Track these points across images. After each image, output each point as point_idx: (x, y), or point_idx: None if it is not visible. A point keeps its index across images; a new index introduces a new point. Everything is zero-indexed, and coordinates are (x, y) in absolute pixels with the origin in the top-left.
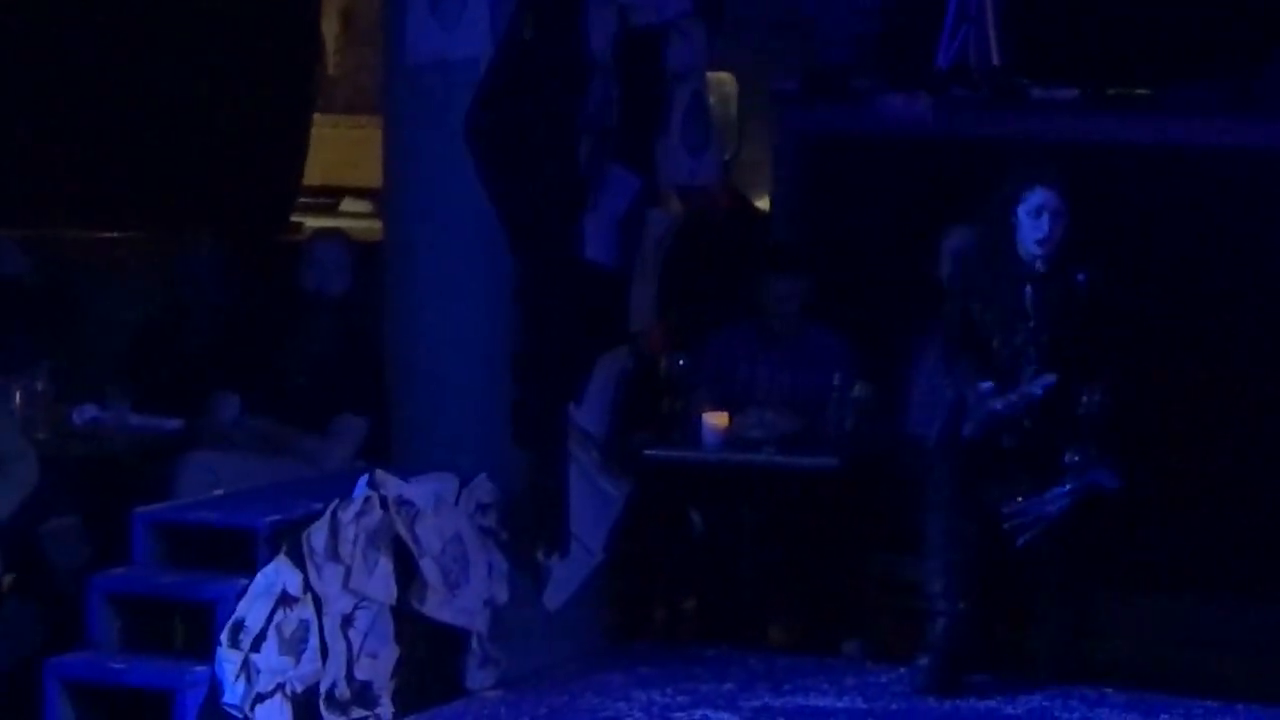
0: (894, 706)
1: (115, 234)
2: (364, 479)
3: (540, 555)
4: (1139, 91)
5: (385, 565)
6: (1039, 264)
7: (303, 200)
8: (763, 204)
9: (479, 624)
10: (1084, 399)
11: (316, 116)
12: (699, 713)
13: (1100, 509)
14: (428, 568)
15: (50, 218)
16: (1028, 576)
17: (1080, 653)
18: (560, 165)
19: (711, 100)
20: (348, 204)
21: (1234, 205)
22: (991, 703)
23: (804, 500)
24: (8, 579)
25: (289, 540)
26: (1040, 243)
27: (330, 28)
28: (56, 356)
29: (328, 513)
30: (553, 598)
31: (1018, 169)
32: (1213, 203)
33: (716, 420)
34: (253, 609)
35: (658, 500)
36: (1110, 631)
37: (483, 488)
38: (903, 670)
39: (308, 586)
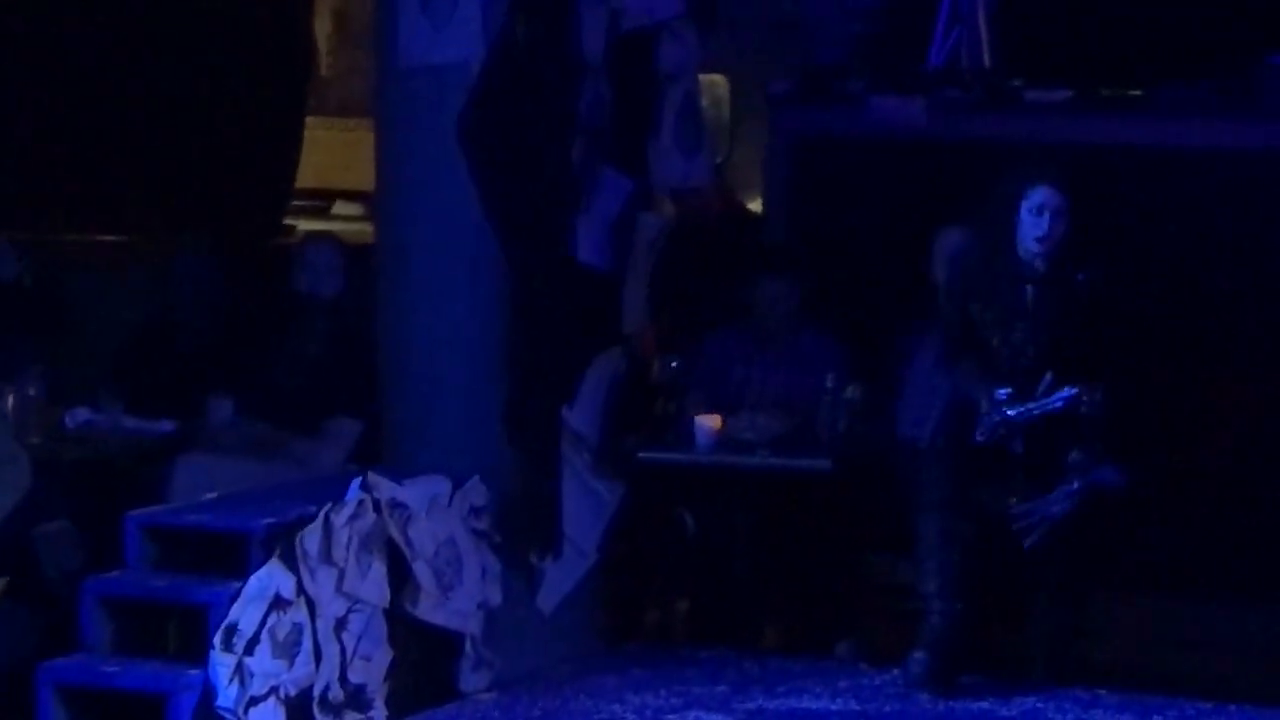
0: (887, 708)
1: (108, 237)
2: (357, 482)
3: (533, 557)
4: (1131, 93)
5: (378, 568)
6: (1039, 263)
7: (295, 203)
8: (755, 206)
9: (472, 626)
10: (1084, 399)
11: (309, 119)
12: (692, 715)
13: (1098, 509)
14: (421, 570)
15: (43, 221)
16: (1022, 578)
17: (1074, 654)
18: (553, 167)
19: (704, 102)
20: (340, 207)
21: (1227, 206)
22: (985, 704)
23: (797, 502)
24: (0, 583)
25: (282, 543)
26: (1040, 240)
27: (322, 30)
28: (50, 360)
29: (321, 516)
30: (546, 600)
31: (1020, 167)
32: (1206, 204)
33: (709, 422)
34: (246, 612)
35: (651, 502)
36: (1104, 633)
37: (476, 490)
38: (896, 671)
39: (301, 590)
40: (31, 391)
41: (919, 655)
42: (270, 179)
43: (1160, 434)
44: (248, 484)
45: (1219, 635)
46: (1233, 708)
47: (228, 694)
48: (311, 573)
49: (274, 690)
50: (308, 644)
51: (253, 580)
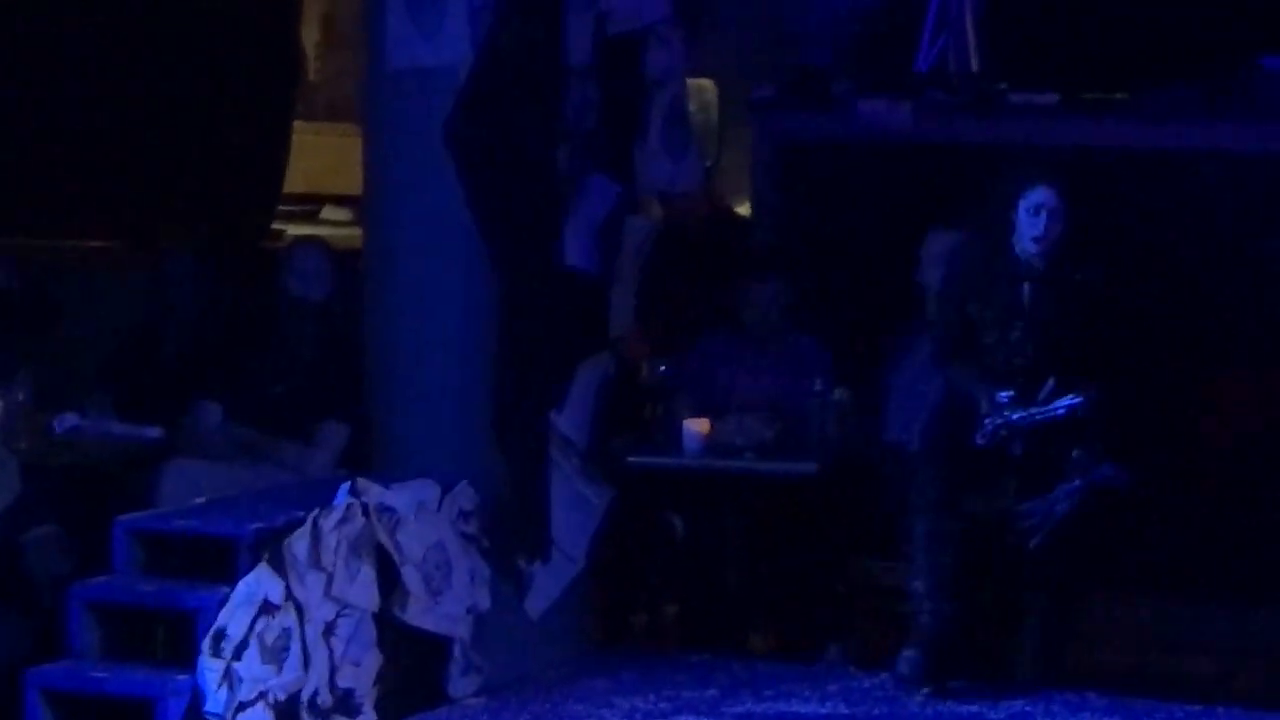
0: (876, 712)
1: (97, 242)
2: (345, 486)
3: (522, 562)
4: (1117, 96)
5: (367, 573)
6: (1036, 262)
7: (283, 207)
8: (744, 209)
9: (461, 631)
10: (1086, 406)
11: (297, 123)
12: (681, 719)
13: (1095, 509)
14: (409, 575)
15: (31, 226)
16: (1013, 580)
17: (1062, 657)
18: (540, 172)
19: (692, 106)
20: (328, 211)
21: (1215, 209)
22: (973, 707)
23: (785, 506)
24: None
25: (271, 548)
26: (1037, 240)
27: (311, 34)
28: (38, 365)
29: (309, 520)
30: (535, 604)
31: (1018, 167)
32: (1194, 206)
33: (697, 426)
34: (234, 617)
35: (639, 506)
36: (1093, 635)
37: (464, 494)
38: (885, 675)
39: (289, 594)
40: (20, 396)
41: (910, 654)
42: (258, 183)
43: (1150, 435)
44: (236, 489)
45: (1208, 638)
46: (1221, 710)
47: (216, 699)
48: (300, 577)
49: (262, 695)
50: (296, 649)
51: (241, 585)
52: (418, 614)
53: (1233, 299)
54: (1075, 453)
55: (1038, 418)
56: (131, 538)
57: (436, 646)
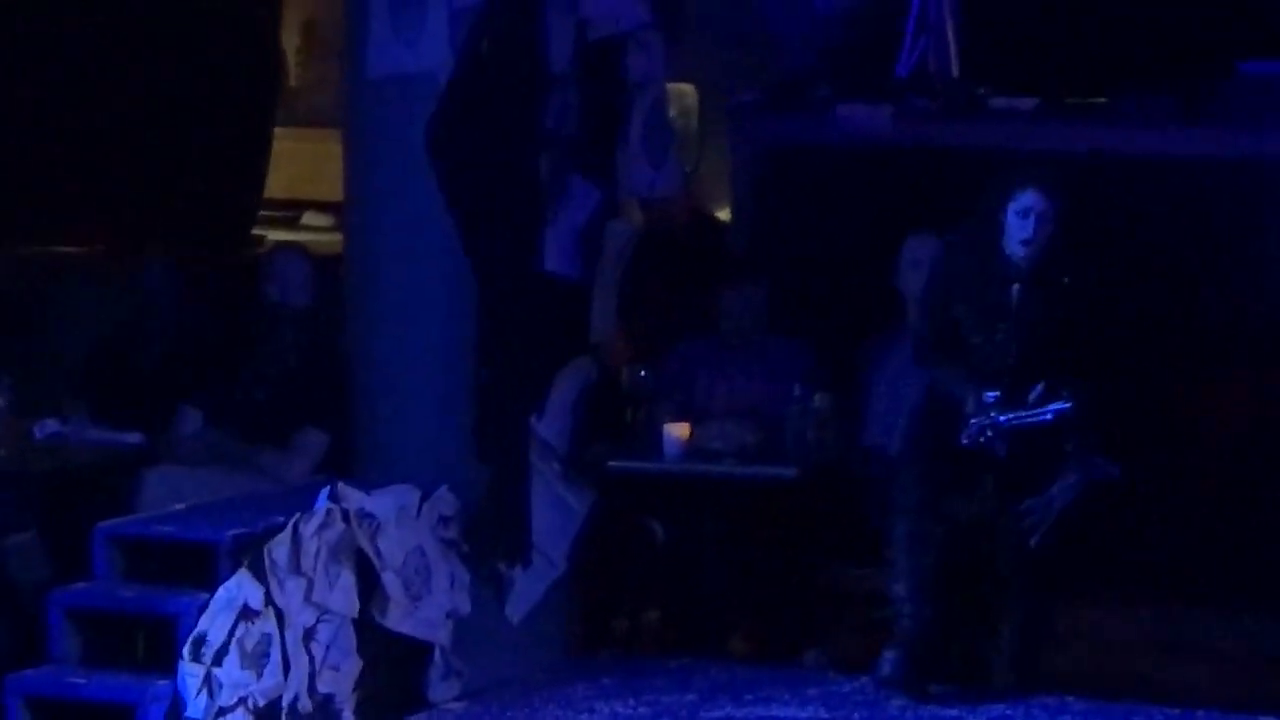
0: (856, 716)
1: (76, 248)
2: (325, 492)
3: (502, 567)
4: (1096, 101)
5: (347, 578)
6: (1024, 264)
7: (264, 213)
8: (725, 215)
9: (441, 636)
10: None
11: (277, 129)
12: None
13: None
14: (389, 580)
15: (11, 233)
16: (991, 584)
17: (1042, 661)
18: (521, 177)
19: (672, 112)
20: (309, 217)
21: (1192, 212)
22: (953, 712)
23: (765, 511)
24: None
25: (251, 554)
26: (1025, 243)
27: (291, 40)
28: (18, 371)
29: (289, 526)
30: (515, 609)
31: (1008, 169)
32: (1174, 212)
33: (678, 431)
34: (214, 623)
35: (620, 511)
36: (1072, 640)
37: (444, 500)
38: (865, 679)
39: (269, 600)
40: (0, 403)
41: (890, 655)
42: (239, 190)
43: (1135, 438)
44: (216, 495)
45: (1187, 641)
46: (1200, 714)
47: (196, 704)
48: (280, 583)
49: (243, 701)
50: (276, 654)
51: (221, 591)
52: (398, 619)
53: (1212, 302)
54: (1069, 447)
55: (1025, 420)
56: (112, 543)
57: (417, 652)
